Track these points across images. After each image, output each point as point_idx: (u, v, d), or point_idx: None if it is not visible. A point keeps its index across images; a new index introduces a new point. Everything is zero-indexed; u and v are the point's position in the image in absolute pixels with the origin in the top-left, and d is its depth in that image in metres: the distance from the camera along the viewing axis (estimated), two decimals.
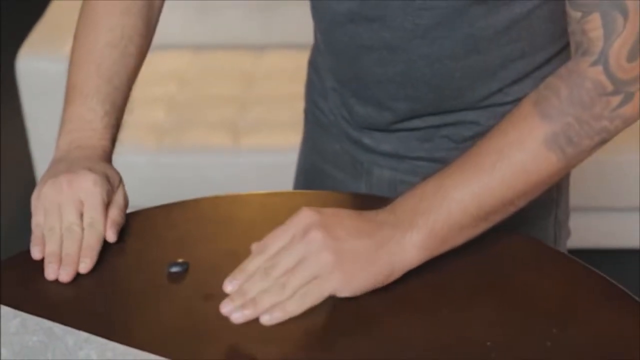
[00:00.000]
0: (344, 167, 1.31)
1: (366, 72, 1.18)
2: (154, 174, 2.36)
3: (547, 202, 1.23)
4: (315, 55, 1.34)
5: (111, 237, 1.04)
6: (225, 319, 0.92)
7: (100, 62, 1.15)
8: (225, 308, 0.92)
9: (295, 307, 0.91)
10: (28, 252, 1.05)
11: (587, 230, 2.39)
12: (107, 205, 1.05)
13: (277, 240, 0.95)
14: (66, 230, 1.02)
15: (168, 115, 2.49)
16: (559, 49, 1.13)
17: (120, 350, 0.90)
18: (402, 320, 0.94)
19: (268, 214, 1.13)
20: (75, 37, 1.19)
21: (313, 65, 1.35)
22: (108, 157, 1.12)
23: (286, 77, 2.62)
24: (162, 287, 1.00)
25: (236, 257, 1.03)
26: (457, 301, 0.96)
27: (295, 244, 0.94)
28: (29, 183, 2.60)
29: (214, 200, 1.14)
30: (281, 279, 0.92)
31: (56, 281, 1.00)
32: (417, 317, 0.94)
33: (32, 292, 0.99)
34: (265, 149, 2.36)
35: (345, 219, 0.97)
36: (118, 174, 1.10)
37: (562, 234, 1.29)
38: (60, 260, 1.00)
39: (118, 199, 1.08)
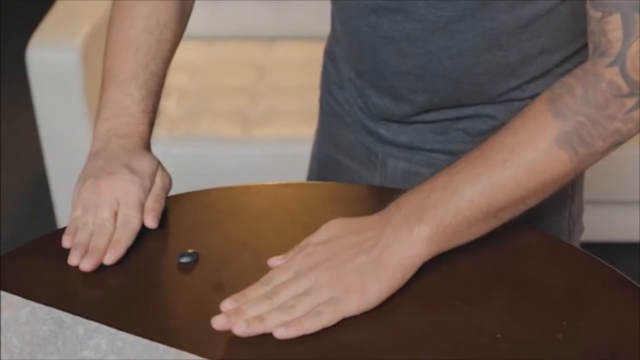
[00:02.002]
0: (358, 157, 1.30)
1: (385, 63, 1.17)
2: (165, 164, 2.35)
3: (562, 197, 1.22)
4: (332, 44, 1.33)
5: (149, 224, 1.06)
6: None
7: (136, 48, 1.16)
8: (217, 322, 0.90)
9: (311, 324, 0.90)
10: (40, 240, 1.06)
11: (599, 224, 2.38)
12: (144, 202, 1.06)
13: (282, 274, 0.95)
14: (98, 226, 1.03)
15: (179, 105, 2.49)
16: (579, 47, 1.13)
17: (130, 340, 0.90)
18: (412, 311, 0.94)
19: (279, 204, 1.13)
20: (111, 24, 1.20)
21: (329, 54, 1.34)
22: (146, 143, 1.14)
23: (297, 68, 2.62)
24: (172, 277, 1.00)
25: (246, 248, 1.03)
26: (467, 293, 0.96)
27: (301, 276, 0.94)
28: (39, 172, 2.61)
29: (225, 191, 1.14)
30: (288, 302, 0.92)
31: (67, 271, 1.00)
32: (428, 308, 0.94)
33: (43, 282, 0.99)
34: (276, 140, 2.36)
35: (348, 235, 0.97)
36: (155, 160, 1.11)
37: (576, 229, 1.28)
38: (86, 250, 1.01)
39: (154, 187, 1.09)
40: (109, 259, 1.00)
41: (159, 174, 1.11)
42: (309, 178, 1.44)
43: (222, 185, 1.15)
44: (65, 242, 1.03)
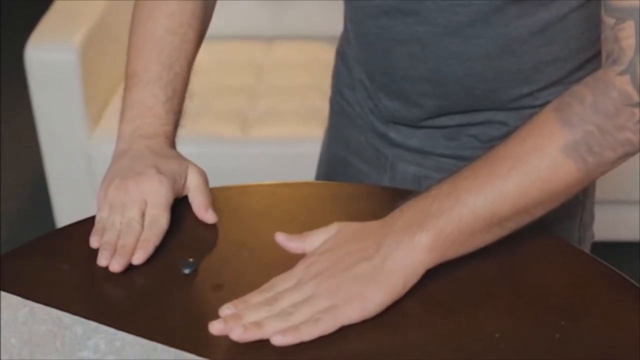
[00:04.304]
0: (368, 159, 1.30)
1: (396, 66, 1.16)
2: None
3: (573, 204, 1.20)
4: (344, 45, 1.32)
5: (210, 219, 1.06)
6: None
7: (160, 49, 1.15)
8: (214, 327, 0.90)
9: (308, 331, 0.89)
10: (39, 240, 1.06)
11: (599, 223, 2.37)
12: (171, 203, 1.06)
13: (284, 281, 0.94)
14: (125, 225, 1.03)
15: None
16: (592, 54, 1.11)
17: (129, 340, 0.90)
18: (409, 309, 0.93)
19: (278, 204, 1.13)
20: (134, 23, 1.19)
21: (341, 55, 1.33)
22: (171, 143, 1.13)
23: (296, 68, 2.62)
24: (171, 276, 1.00)
25: (245, 248, 1.03)
26: (466, 292, 0.96)
27: (303, 284, 0.93)
28: (39, 172, 2.61)
29: (223, 191, 1.14)
30: (287, 309, 0.91)
31: (65, 271, 1.00)
32: (426, 306, 0.94)
33: (42, 281, 0.99)
34: (275, 140, 2.36)
35: (350, 243, 0.96)
36: (184, 161, 1.10)
37: (587, 236, 1.26)
38: (114, 250, 1.00)
39: (192, 185, 1.09)
40: (137, 259, 1.00)
41: (192, 172, 1.10)
42: (317, 178, 1.43)
43: (221, 185, 1.15)
44: (93, 242, 1.02)
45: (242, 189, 1.17)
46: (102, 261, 1.00)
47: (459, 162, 1.18)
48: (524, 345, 0.90)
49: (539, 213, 0.97)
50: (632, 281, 0.98)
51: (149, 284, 0.99)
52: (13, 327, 0.92)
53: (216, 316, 0.92)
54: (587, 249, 1.27)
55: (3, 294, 0.96)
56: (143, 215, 1.04)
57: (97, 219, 1.05)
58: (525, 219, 0.97)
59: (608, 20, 0.95)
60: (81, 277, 1.00)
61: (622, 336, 0.91)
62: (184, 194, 1.10)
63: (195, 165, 1.11)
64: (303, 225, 1.05)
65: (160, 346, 0.89)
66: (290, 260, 0.98)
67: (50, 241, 1.07)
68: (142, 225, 1.03)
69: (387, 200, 1.14)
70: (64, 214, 2.42)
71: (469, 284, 0.97)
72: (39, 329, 0.92)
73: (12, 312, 0.94)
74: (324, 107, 2.40)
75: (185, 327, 0.93)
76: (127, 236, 1.01)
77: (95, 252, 1.02)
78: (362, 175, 1.31)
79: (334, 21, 2.69)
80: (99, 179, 2.44)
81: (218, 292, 0.97)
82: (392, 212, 0.98)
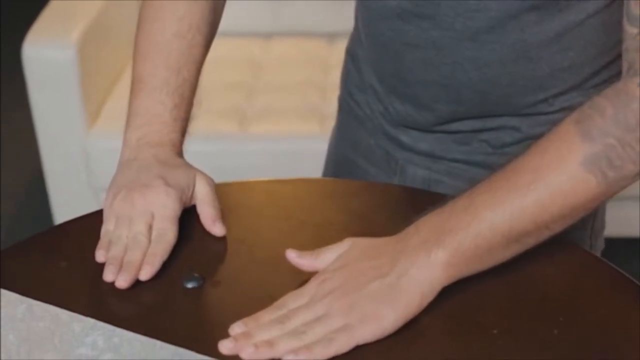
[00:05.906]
0: (377, 162, 1.28)
1: (409, 70, 1.14)
2: None
3: None
4: (355, 46, 1.29)
5: (218, 232, 1.04)
6: (232, 305, 0.92)
7: (168, 53, 1.12)
8: (224, 346, 0.88)
9: (321, 351, 0.87)
10: (37, 237, 1.06)
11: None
12: (179, 215, 1.04)
13: (296, 299, 0.92)
14: (132, 239, 1.00)
15: None
16: (608, 60, 1.10)
17: (127, 336, 0.90)
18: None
19: (276, 201, 1.13)
20: (140, 26, 1.16)
21: (351, 54, 1.31)
22: (178, 151, 1.10)
23: (294, 64, 2.62)
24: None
25: (244, 245, 1.03)
26: (465, 289, 0.96)
27: (315, 302, 0.91)
28: (36, 172, 2.61)
29: (221, 188, 1.14)
30: (300, 328, 0.89)
31: (63, 268, 1.00)
32: (428, 307, 0.93)
33: (40, 278, 0.99)
34: (273, 137, 2.36)
35: (364, 260, 0.94)
36: (191, 169, 1.08)
37: (597, 244, 1.25)
38: (121, 265, 0.98)
39: (201, 195, 1.06)
40: (144, 275, 0.97)
41: (199, 182, 1.07)
42: (324, 176, 1.42)
43: (219, 182, 1.15)
44: (99, 256, 1.00)
45: (241, 186, 1.17)
46: (108, 277, 0.97)
47: (470, 167, 1.18)
48: (522, 341, 0.90)
49: (558, 228, 0.94)
50: (632, 278, 0.98)
51: (147, 281, 0.99)
52: (11, 324, 0.92)
53: (214, 313, 0.92)
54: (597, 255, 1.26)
55: (2, 291, 0.96)
56: (150, 228, 1.01)
57: (102, 232, 1.03)
58: (545, 234, 0.94)
59: (630, 30, 0.94)
60: (79, 274, 0.99)
61: (620, 333, 0.91)
62: (191, 204, 1.07)
63: (203, 174, 1.09)
64: (301, 222, 1.05)
65: (158, 343, 0.89)
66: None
67: (48, 238, 1.07)
68: (149, 239, 1.01)
69: (385, 197, 1.15)
70: (62, 212, 2.42)
71: (464, 280, 0.96)
72: (37, 326, 0.92)
73: (10, 309, 0.94)
74: (323, 104, 2.42)
75: (183, 324, 0.93)
76: (133, 251, 0.99)
77: (93, 249, 1.01)
78: (370, 178, 1.29)
79: (332, 18, 2.70)
80: (96, 177, 2.44)
81: (216, 288, 0.97)
82: (405, 226, 0.96)
